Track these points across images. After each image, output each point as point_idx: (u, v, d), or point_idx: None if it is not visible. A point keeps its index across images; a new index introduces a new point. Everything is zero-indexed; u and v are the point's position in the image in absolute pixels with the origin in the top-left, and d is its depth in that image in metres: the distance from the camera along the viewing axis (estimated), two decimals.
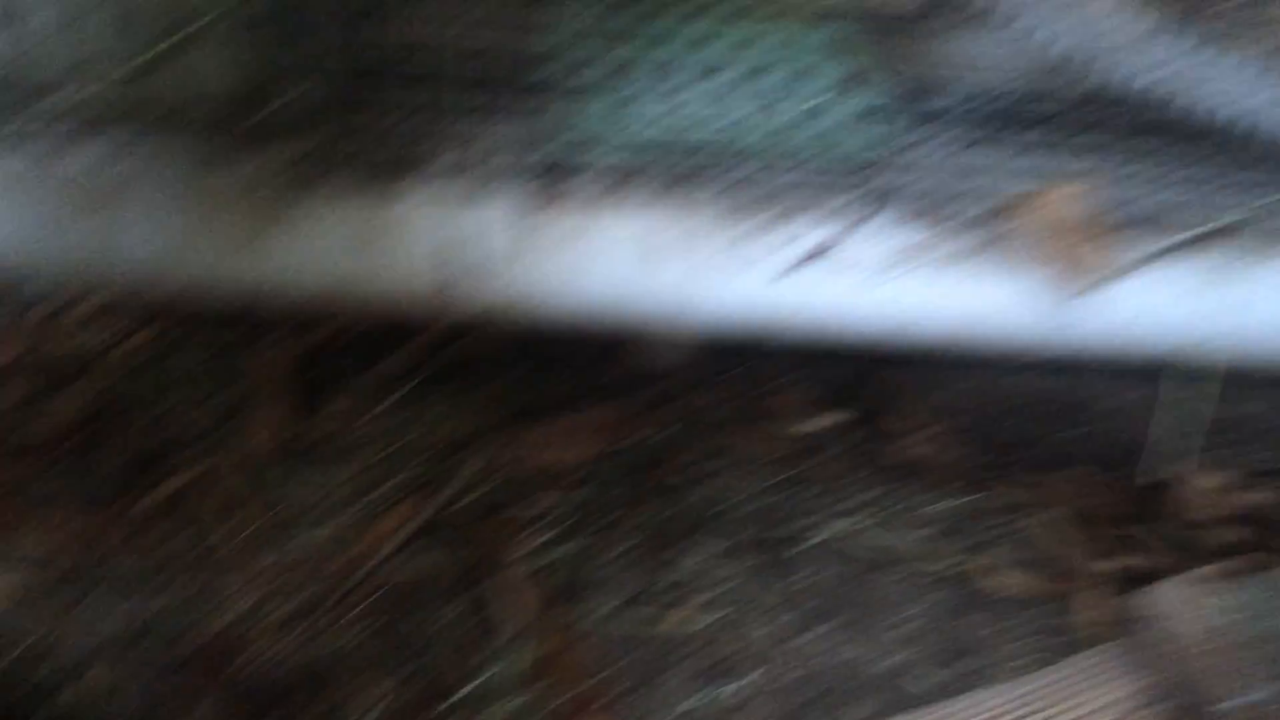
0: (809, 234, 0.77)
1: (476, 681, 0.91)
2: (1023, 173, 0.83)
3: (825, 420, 1.14)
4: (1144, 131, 0.82)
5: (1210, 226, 0.80)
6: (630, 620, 0.97)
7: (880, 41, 0.87)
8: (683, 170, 0.81)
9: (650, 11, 0.89)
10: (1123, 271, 0.78)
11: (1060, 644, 0.97)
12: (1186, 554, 1.06)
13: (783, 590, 1.00)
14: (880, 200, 0.80)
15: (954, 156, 0.83)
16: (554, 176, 0.79)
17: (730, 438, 1.12)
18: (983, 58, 0.80)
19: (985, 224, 0.79)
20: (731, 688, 0.94)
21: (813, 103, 0.86)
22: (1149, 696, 0.78)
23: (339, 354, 1.05)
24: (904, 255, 0.77)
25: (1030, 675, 0.83)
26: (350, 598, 0.94)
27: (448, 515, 1.01)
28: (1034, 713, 0.78)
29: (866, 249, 0.78)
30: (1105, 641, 0.85)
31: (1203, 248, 0.80)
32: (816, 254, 0.77)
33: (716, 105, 0.84)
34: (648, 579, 1.00)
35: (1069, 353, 0.80)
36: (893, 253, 0.77)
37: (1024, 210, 0.79)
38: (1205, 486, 1.12)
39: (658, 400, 1.12)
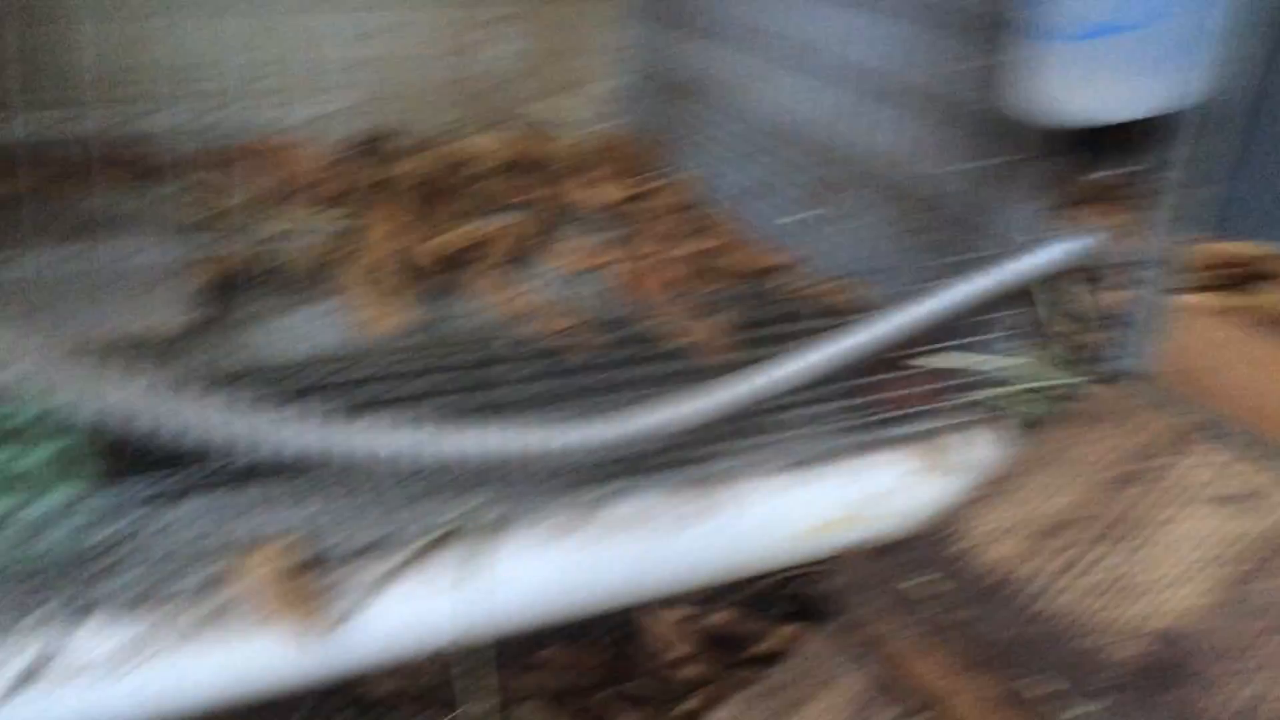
0: (15, 656, 0.71)
1: None
2: (243, 533, 0.84)
3: None
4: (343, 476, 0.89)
5: (430, 537, 0.86)
6: None
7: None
8: None
9: None
10: (366, 594, 0.81)
11: None
12: (658, 703, 1.11)
13: None
14: (89, 601, 0.76)
15: (168, 534, 0.82)
16: None
17: None
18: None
19: (213, 592, 0.78)
20: None
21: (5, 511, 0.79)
22: None
23: None
24: (136, 644, 0.73)
25: None
26: None
27: None
28: None
29: (89, 652, 0.73)
30: None
31: (434, 555, 0.86)
32: (30, 675, 0.71)
33: None
34: None
35: (345, 675, 0.80)
36: (122, 646, 0.73)
37: (248, 569, 0.80)
38: (666, 624, 1.19)
39: None
